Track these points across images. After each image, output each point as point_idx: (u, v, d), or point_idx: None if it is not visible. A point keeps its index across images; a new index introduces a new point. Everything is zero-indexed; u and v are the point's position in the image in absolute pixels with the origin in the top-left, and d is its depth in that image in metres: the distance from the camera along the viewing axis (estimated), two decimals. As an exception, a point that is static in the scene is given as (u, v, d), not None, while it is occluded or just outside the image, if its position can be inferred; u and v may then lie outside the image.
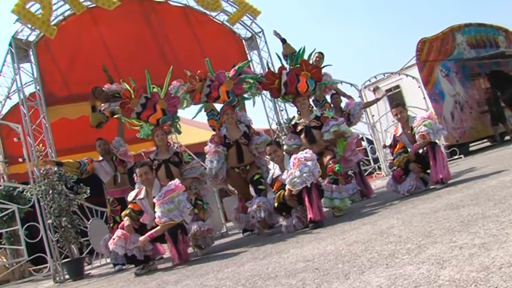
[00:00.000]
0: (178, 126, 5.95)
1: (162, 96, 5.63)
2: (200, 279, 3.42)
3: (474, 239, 2.38)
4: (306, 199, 4.83)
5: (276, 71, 6.12)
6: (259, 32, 9.66)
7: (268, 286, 2.59)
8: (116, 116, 6.14)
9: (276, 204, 5.17)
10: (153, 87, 5.64)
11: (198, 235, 5.12)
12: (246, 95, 6.21)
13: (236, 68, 6.00)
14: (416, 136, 5.44)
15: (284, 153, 5.42)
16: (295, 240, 4.23)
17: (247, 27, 9.60)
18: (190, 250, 5.12)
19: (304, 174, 4.76)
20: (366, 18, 50.81)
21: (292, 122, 6.21)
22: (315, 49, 6.35)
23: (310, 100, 6.45)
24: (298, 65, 6.03)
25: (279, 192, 5.13)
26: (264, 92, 9.42)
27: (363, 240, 3.22)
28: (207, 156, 5.82)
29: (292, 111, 8.57)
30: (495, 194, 3.70)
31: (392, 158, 6.11)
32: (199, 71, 5.88)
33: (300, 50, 6.10)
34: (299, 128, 5.97)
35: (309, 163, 4.81)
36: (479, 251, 2.13)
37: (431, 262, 2.16)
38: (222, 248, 5.40)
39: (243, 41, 9.73)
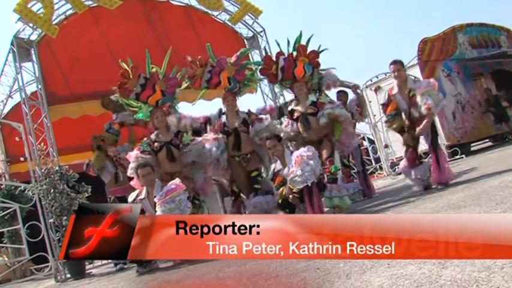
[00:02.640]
0: (177, 107, 5.89)
1: (161, 76, 5.56)
2: (201, 279, 3.42)
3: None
4: (307, 199, 4.83)
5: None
6: (261, 32, 9.64)
7: (270, 286, 2.60)
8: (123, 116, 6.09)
9: (279, 201, 5.17)
10: (152, 67, 5.58)
11: None
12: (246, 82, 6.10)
13: (238, 53, 5.93)
14: (422, 108, 5.27)
15: (284, 147, 5.36)
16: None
17: (249, 27, 9.59)
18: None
19: (306, 173, 4.74)
20: (367, 18, 50.79)
21: (289, 108, 6.05)
22: (312, 34, 6.14)
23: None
24: (296, 51, 5.86)
25: (281, 189, 5.13)
26: (264, 84, 9.42)
27: (364, 240, 3.22)
28: (206, 145, 5.60)
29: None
30: (496, 194, 3.69)
31: (385, 120, 5.98)
32: (200, 57, 5.79)
33: (298, 36, 5.92)
34: (295, 115, 5.85)
35: (311, 162, 4.79)
36: (481, 251, 2.13)
37: (432, 262, 2.16)
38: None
39: (245, 40, 9.72)
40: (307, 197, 4.82)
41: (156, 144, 5.37)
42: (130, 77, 5.44)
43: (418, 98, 5.33)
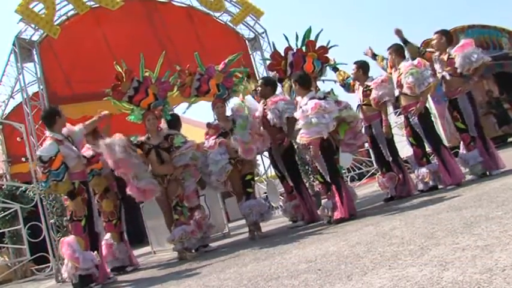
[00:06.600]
0: (167, 111, 5.90)
1: (154, 80, 5.56)
2: (202, 280, 3.42)
3: (477, 241, 2.38)
4: (337, 197, 4.84)
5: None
6: (263, 33, 9.66)
7: (271, 287, 2.59)
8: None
9: None
10: (146, 71, 5.58)
11: (183, 238, 5.10)
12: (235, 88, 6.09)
13: (226, 61, 5.95)
14: (404, 87, 5.29)
15: (294, 86, 5.28)
16: (297, 241, 4.23)
17: (251, 28, 9.61)
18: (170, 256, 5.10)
19: (321, 125, 4.71)
20: (369, 19, 50.80)
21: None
22: (321, 30, 6.08)
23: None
24: (305, 46, 5.82)
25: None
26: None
27: (365, 241, 3.22)
28: (211, 151, 5.55)
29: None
30: (498, 196, 3.69)
31: None
32: (188, 65, 5.81)
33: (306, 30, 5.88)
34: None
35: (327, 116, 4.76)
36: (482, 253, 2.13)
37: (434, 264, 2.16)
38: (225, 249, 5.40)
39: (246, 41, 9.73)
40: (338, 195, 4.84)
41: (145, 146, 5.37)
42: (124, 79, 5.44)
43: (402, 76, 5.33)
